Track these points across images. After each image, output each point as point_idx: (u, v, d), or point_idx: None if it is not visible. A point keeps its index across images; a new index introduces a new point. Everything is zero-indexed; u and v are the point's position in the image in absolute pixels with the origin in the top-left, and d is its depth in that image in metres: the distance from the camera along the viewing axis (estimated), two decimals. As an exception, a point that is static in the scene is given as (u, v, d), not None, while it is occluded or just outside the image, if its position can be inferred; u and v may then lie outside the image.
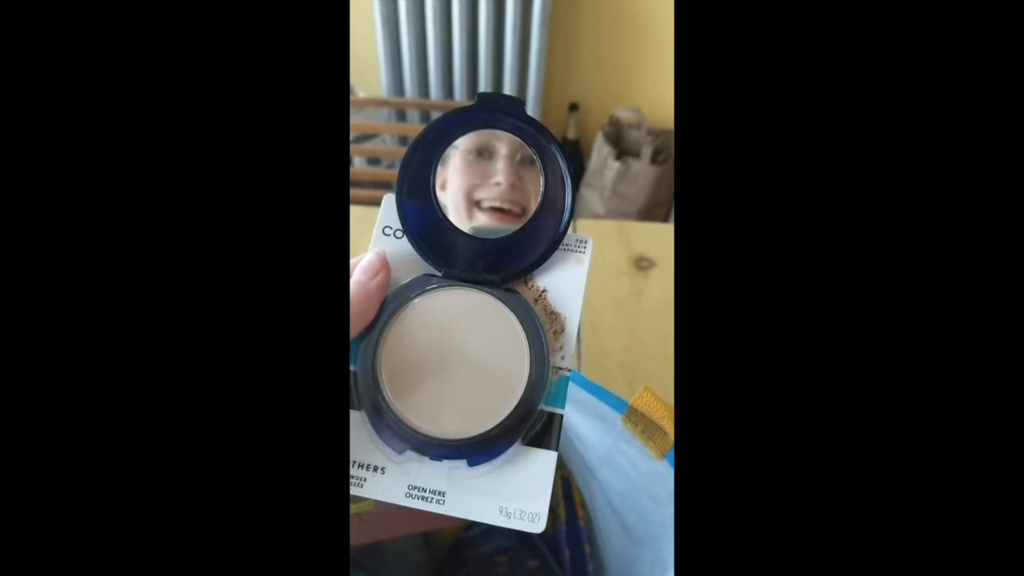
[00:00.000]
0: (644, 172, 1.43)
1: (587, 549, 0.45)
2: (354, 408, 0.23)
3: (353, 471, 0.23)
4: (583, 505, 0.47)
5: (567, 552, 0.45)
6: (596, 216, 1.47)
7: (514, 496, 0.23)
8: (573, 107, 1.59)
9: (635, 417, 0.34)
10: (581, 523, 0.46)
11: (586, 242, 0.26)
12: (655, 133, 1.48)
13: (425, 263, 0.25)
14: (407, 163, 0.25)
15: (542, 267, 0.25)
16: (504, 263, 0.25)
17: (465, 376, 0.24)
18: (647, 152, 1.44)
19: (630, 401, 0.33)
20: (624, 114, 1.50)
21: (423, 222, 0.25)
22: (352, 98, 1.16)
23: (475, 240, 0.25)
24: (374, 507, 0.44)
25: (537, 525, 0.22)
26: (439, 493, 0.22)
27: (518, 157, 0.51)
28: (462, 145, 0.27)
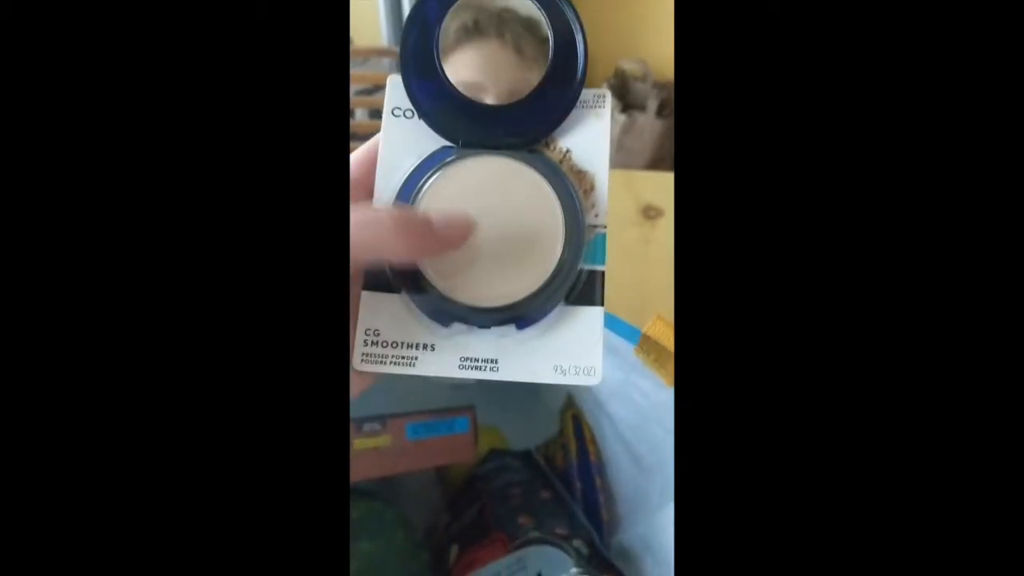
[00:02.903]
0: (650, 126, 1.41)
1: (598, 482, 0.46)
2: (393, 291, 0.23)
3: (403, 352, 0.23)
4: (594, 441, 0.48)
5: (578, 485, 0.46)
6: (601, 171, 1.46)
7: (566, 354, 0.23)
8: (577, 60, 1.56)
9: (647, 345, 0.34)
10: (592, 458, 0.47)
11: (604, 96, 0.25)
12: (661, 86, 1.46)
13: (441, 140, 0.24)
14: (406, 44, 0.24)
15: (562, 127, 0.25)
16: (521, 129, 0.24)
17: (501, 242, 0.23)
18: (653, 105, 1.41)
19: (643, 329, 0.34)
20: (629, 66, 1.47)
21: (433, 98, 0.25)
22: (352, 48, 1.14)
23: (489, 109, 0.25)
24: (391, 442, 0.45)
25: (594, 378, 0.22)
26: (492, 361, 0.23)
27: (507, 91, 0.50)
28: (452, 76, 0.27)
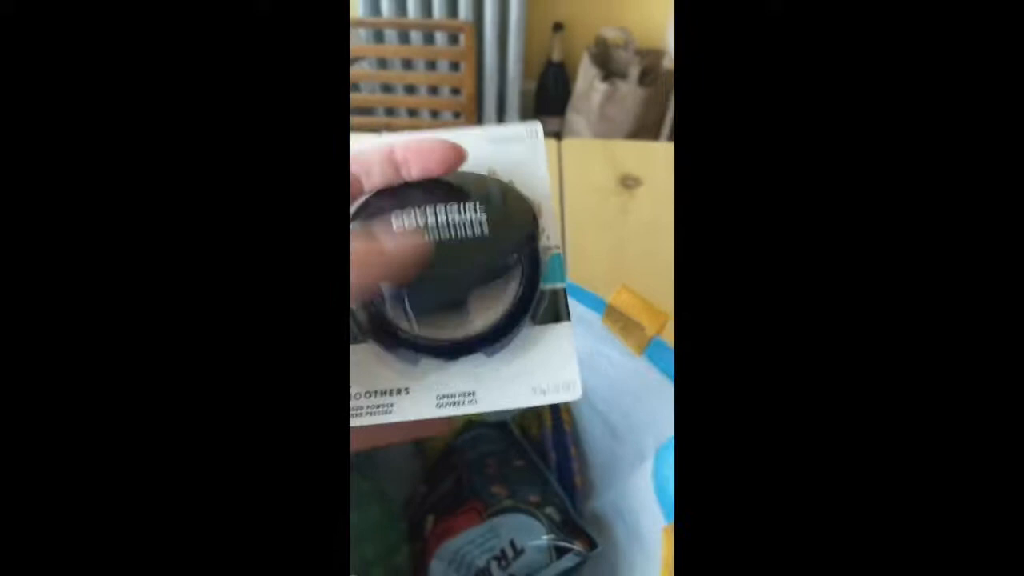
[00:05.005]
0: (632, 94, 1.40)
1: (572, 451, 0.47)
2: (358, 342, 0.23)
3: (377, 400, 0.22)
4: (568, 411, 0.49)
5: (553, 455, 0.47)
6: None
7: (542, 373, 0.23)
8: (557, 27, 1.53)
9: (614, 315, 0.34)
10: (566, 427, 0.48)
11: (536, 130, 0.26)
12: (643, 53, 1.44)
13: None
14: None
15: (499, 160, 0.25)
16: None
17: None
18: (635, 73, 1.40)
19: (608, 300, 0.34)
20: (611, 33, 1.45)
21: None
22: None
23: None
24: (366, 416, 0.45)
25: (573, 392, 0.23)
26: (469, 394, 0.23)
27: None
28: None
